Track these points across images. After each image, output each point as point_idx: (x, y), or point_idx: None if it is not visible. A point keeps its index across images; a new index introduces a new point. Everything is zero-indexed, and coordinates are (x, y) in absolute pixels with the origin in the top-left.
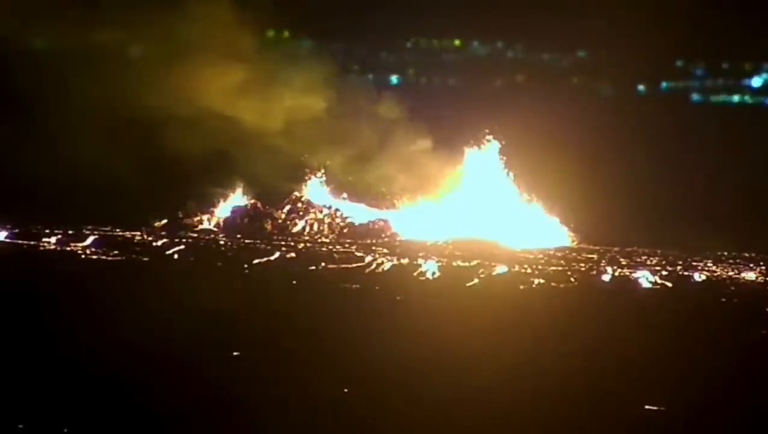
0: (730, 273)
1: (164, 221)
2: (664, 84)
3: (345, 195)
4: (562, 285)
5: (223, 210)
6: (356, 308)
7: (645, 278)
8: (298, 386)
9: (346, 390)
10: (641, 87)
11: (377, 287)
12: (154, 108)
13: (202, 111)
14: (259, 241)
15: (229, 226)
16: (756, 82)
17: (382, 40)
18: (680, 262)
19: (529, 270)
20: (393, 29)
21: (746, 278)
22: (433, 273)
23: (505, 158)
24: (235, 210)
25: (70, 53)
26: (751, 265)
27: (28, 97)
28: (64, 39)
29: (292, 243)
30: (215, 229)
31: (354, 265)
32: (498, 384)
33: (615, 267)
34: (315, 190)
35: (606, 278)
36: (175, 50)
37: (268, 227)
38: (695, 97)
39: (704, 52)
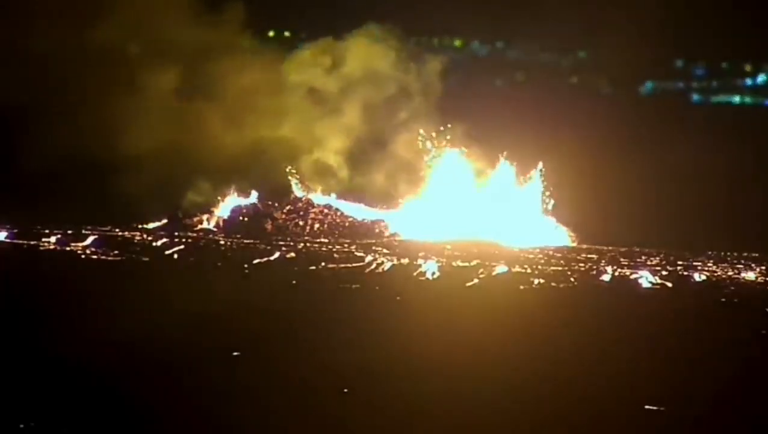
0: (730, 273)
1: (164, 221)
2: (663, 84)
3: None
4: (562, 285)
5: (223, 210)
6: (356, 308)
7: (645, 278)
8: (298, 386)
9: (346, 390)
10: (641, 87)
11: (377, 287)
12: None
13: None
14: (259, 241)
15: (229, 226)
16: (759, 81)
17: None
18: (680, 262)
19: (529, 270)
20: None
21: (746, 278)
22: (433, 273)
23: (505, 157)
24: (235, 210)
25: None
26: (752, 265)
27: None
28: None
29: (292, 243)
30: (215, 229)
31: (354, 265)
32: (498, 383)
33: (615, 267)
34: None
35: (606, 278)
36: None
37: (268, 227)
38: (695, 97)
39: (704, 53)
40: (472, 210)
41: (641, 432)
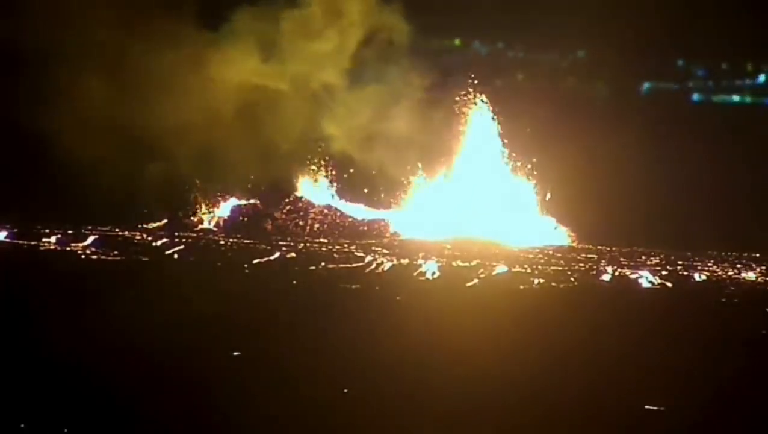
0: (730, 273)
1: (164, 221)
2: (662, 83)
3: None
4: (562, 285)
5: (223, 210)
6: (356, 308)
7: (645, 278)
8: (298, 386)
9: (346, 390)
10: (641, 87)
11: (377, 287)
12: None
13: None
14: (259, 241)
15: (229, 226)
16: (760, 80)
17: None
18: (680, 262)
19: (529, 270)
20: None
21: (746, 278)
22: (433, 273)
23: (505, 156)
24: (235, 210)
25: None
26: (752, 265)
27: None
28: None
29: (292, 243)
30: (215, 229)
31: (354, 265)
32: (498, 384)
33: (615, 267)
34: (314, 189)
35: (606, 278)
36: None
37: (268, 227)
38: (695, 96)
39: (704, 53)
40: (471, 209)
41: (641, 432)
